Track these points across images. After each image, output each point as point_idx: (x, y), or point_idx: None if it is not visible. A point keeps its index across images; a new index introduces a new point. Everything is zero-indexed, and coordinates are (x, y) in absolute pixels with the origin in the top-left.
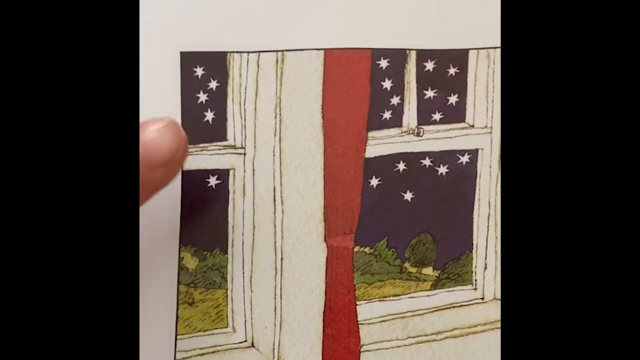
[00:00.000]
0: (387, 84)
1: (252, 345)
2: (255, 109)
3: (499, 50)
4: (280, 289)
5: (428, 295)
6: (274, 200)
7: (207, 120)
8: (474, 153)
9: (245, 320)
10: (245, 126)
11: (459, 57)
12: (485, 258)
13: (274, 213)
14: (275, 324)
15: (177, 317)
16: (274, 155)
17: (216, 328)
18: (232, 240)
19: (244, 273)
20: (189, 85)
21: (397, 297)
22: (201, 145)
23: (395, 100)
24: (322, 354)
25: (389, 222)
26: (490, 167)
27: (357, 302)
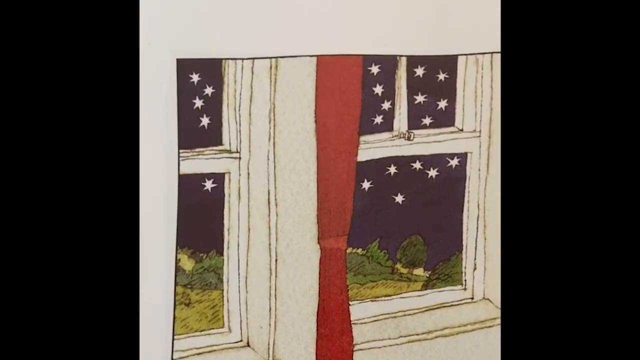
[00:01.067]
0: (378, 90)
1: (248, 345)
2: (250, 114)
3: (487, 56)
4: (275, 289)
5: (419, 296)
6: (269, 203)
7: (203, 125)
8: (463, 156)
9: (241, 321)
10: (240, 131)
11: (448, 63)
12: (475, 259)
13: (269, 216)
14: (270, 324)
15: (174, 318)
16: (268, 159)
17: (212, 328)
18: (228, 242)
19: (239, 274)
20: (185, 91)
21: (388, 297)
22: (197, 149)
23: (386, 105)
24: (316, 353)
25: (380, 224)
26: (479, 170)
27: (350, 302)
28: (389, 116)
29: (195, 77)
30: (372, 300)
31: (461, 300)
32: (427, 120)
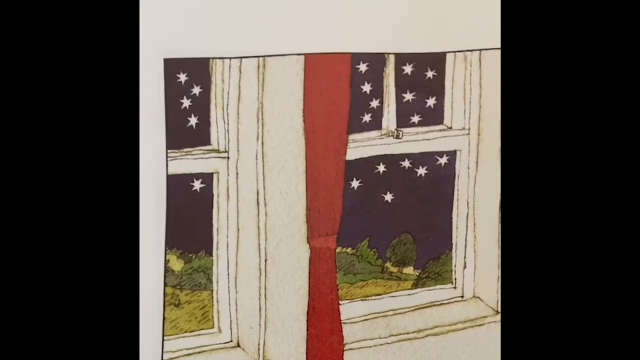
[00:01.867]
0: (367, 88)
1: (238, 345)
2: (238, 114)
3: (476, 53)
4: (265, 289)
5: (409, 294)
6: (258, 203)
7: (191, 125)
8: (452, 154)
9: (231, 321)
10: (228, 130)
11: (437, 60)
12: (465, 257)
13: (258, 215)
14: (260, 324)
15: (163, 319)
16: (257, 158)
17: (202, 329)
18: (217, 242)
19: (228, 274)
20: (172, 91)
21: (379, 296)
22: (185, 149)
23: (374, 103)
24: (307, 353)
25: (370, 223)
26: (468, 167)
27: (340, 302)
28: (378, 114)
29: (182, 77)
30: (362, 300)
31: (451, 298)
32: (415, 118)
